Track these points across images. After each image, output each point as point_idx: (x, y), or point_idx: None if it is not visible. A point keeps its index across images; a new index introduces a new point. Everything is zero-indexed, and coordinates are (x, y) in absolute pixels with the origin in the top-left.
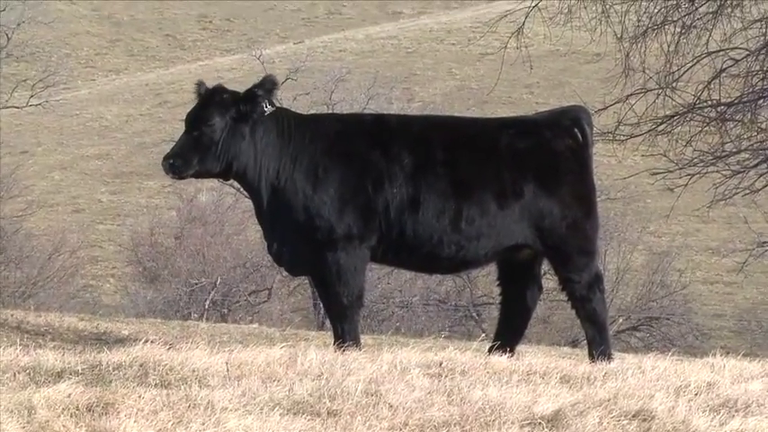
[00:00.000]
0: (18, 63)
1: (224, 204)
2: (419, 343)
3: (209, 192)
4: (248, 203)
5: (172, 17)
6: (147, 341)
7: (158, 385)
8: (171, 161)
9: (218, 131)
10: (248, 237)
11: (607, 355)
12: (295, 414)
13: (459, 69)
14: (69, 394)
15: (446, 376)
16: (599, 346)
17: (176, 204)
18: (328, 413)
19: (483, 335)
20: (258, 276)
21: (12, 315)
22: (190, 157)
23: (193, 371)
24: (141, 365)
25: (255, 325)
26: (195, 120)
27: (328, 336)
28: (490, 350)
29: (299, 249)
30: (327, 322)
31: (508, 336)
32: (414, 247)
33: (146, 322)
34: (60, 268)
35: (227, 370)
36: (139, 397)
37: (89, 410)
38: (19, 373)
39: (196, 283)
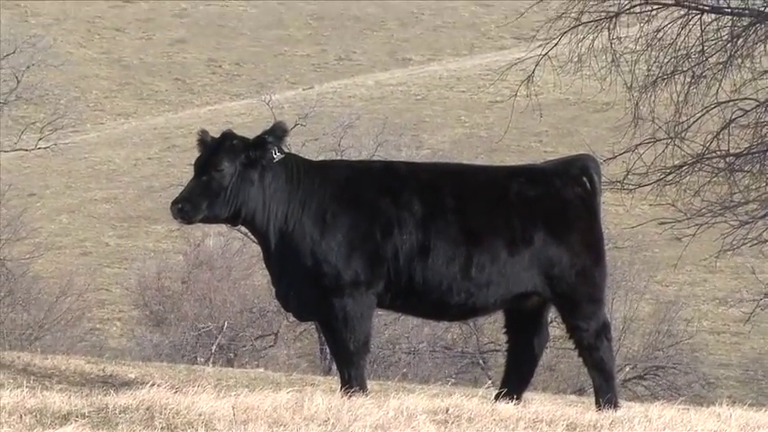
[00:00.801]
0: (27, 106)
1: (231, 249)
2: (426, 389)
3: (216, 236)
4: (256, 248)
5: (181, 61)
6: (153, 384)
7: (164, 429)
8: (180, 206)
9: (228, 177)
10: (255, 281)
11: (614, 404)
12: None
13: (468, 117)
14: None
15: (453, 423)
16: (606, 394)
17: (183, 248)
18: None
19: (489, 382)
20: (265, 321)
21: (18, 357)
22: (198, 202)
23: (200, 415)
24: (147, 409)
25: (262, 369)
26: (205, 165)
27: (335, 381)
28: (497, 397)
29: (306, 295)
30: (335, 367)
31: (515, 383)
32: (423, 293)
33: (152, 366)
34: (67, 311)
35: (234, 414)
36: None
37: None
38: (25, 415)
39: (203, 328)
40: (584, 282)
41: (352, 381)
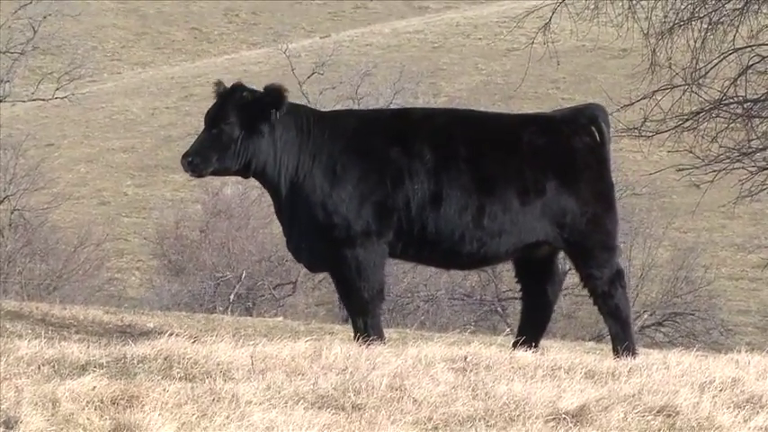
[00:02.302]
0: (44, 56)
1: (249, 198)
2: (444, 337)
3: (234, 185)
4: None
5: (198, 10)
6: (171, 334)
7: (183, 378)
8: (190, 159)
9: (237, 129)
10: (273, 230)
11: (631, 351)
12: (319, 408)
13: (485, 64)
14: (94, 387)
15: (471, 371)
16: (623, 342)
17: (202, 197)
18: (353, 407)
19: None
20: (283, 270)
21: (37, 308)
22: (209, 154)
23: (218, 364)
24: (166, 358)
25: (280, 318)
26: (214, 117)
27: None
28: (514, 345)
29: (317, 246)
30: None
31: (531, 331)
32: (435, 242)
33: (171, 315)
34: (85, 261)
35: (252, 363)
36: (164, 390)
37: (113, 403)
38: (43, 365)
39: (221, 277)
40: (596, 230)
41: (368, 329)
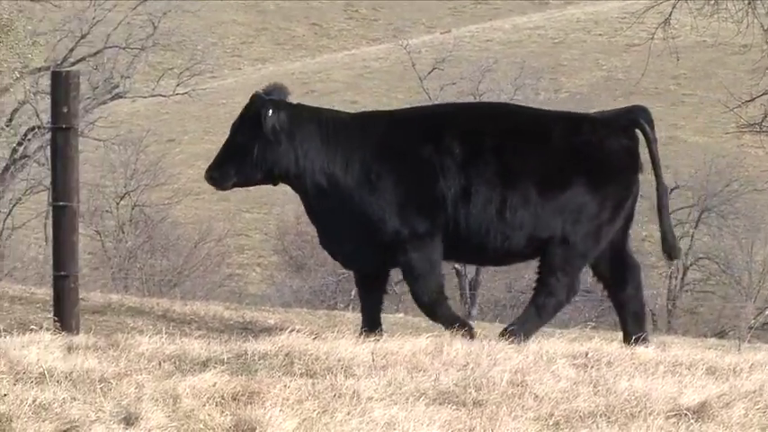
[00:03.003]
0: (165, 52)
1: None
2: (565, 333)
3: None
4: None
5: (318, 6)
6: (292, 330)
7: (304, 374)
8: (210, 174)
9: (251, 140)
10: None
11: (520, 336)
12: (440, 404)
13: (605, 60)
14: (215, 383)
15: (592, 367)
16: (520, 325)
17: None
18: (474, 403)
19: None
20: None
21: (158, 304)
22: (227, 168)
23: (339, 360)
24: (287, 355)
25: (401, 315)
26: (232, 130)
27: (475, 325)
28: (627, 340)
29: (362, 250)
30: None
31: (631, 324)
32: (466, 238)
33: (292, 312)
34: (206, 257)
35: (373, 360)
36: (285, 386)
37: (234, 399)
38: (164, 361)
39: (342, 273)
40: (594, 235)
41: (446, 326)
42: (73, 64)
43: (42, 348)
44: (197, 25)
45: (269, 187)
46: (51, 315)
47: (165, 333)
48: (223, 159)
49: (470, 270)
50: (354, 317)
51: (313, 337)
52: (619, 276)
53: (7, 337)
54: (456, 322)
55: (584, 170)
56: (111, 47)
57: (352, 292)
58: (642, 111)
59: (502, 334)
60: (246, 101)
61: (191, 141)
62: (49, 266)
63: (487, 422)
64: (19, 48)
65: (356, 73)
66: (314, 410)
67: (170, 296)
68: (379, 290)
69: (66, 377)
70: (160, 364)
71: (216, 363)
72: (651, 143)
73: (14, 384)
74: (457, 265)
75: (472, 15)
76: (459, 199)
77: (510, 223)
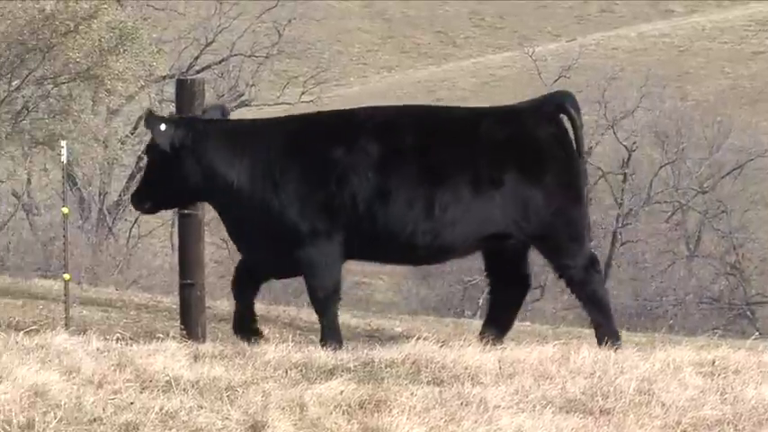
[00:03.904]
0: (289, 60)
1: None
2: (692, 341)
3: None
4: None
5: (444, 14)
6: (419, 338)
7: (431, 383)
8: (131, 198)
9: (158, 162)
10: None
11: (614, 337)
12: (567, 412)
13: (731, 68)
14: (341, 391)
15: (719, 375)
16: (605, 329)
17: None
18: (601, 411)
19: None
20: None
21: (284, 311)
22: (143, 191)
23: (466, 368)
24: (414, 363)
25: (528, 323)
26: (145, 152)
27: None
28: (481, 336)
29: (273, 253)
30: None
31: (495, 328)
32: (389, 238)
33: (419, 319)
34: None
35: (500, 368)
36: (412, 394)
37: (361, 407)
38: (291, 369)
39: (469, 281)
40: (563, 221)
41: (324, 329)
42: (198, 72)
43: (169, 356)
44: (322, 33)
45: None
46: (178, 323)
47: (292, 341)
48: (141, 183)
49: None
50: (481, 324)
51: (440, 344)
52: (507, 282)
53: (134, 346)
54: (334, 332)
55: (519, 162)
56: (236, 55)
57: (480, 300)
58: (567, 96)
59: (598, 339)
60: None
61: None
62: (176, 275)
63: (614, 430)
64: (143, 56)
65: (482, 81)
66: (441, 418)
67: (297, 304)
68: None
69: (193, 385)
70: (287, 372)
71: (342, 371)
72: (577, 128)
73: (141, 392)
74: None
75: (597, 23)
76: (375, 198)
77: (439, 221)
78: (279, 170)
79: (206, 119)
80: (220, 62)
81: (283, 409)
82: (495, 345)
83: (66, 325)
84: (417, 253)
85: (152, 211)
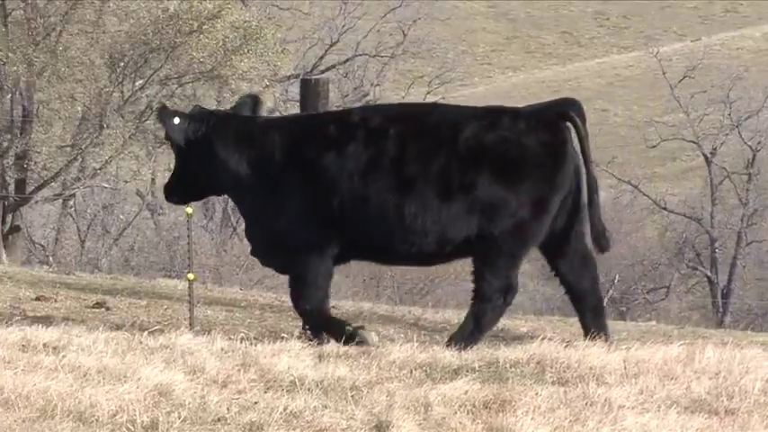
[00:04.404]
0: (414, 59)
1: (621, 202)
2: None
3: (606, 189)
4: (646, 201)
5: (568, 14)
6: (544, 338)
7: (555, 383)
8: (163, 189)
9: (180, 155)
10: (646, 234)
11: (460, 346)
12: (692, 412)
13: None
14: (466, 391)
15: None
16: (461, 334)
17: None
18: (726, 412)
19: None
20: (656, 274)
21: (409, 311)
22: (172, 183)
23: (590, 368)
24: (538, 363)
25: (653, 322)
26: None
27: (726, 333)
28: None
29: (272, 255)
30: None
31: (590, 319)
32: (369, 244)
33: (544, 319)
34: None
35: (625, 368)
36: (536, 394)
37: (485, 407)
38: (415, 369)
39: None
40: (515, 234)
41: (314, 338)
42: (322, 72)
43: (293, 356)
44: (447, 33)
45: None
46: (302, 323)
47: (416, 341)
48: (171, 175)
49: (722, 278)
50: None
51: (564, 345)
52: (575, 270)
53: (258, 346)
54: (321, 333)
55: (494, 168)
56: (360, 54)
57: (604, 300)
58: (572, 104)
59: (447, 344)
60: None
61: None
62: None
63: (739, 431)
64: (268, 55)
65: (607, 81)
66: (565, 419)
67: (421, 304)
68: None
69: (317, 385)
70: (411, 372)
71: (467, 371)
72: (582, 136)
73: (265, 392)
74: (708, 273)
75: (722, 23)
76: (357, 201)
77: (410, 227)
78: (272, 170)
79: (220, 113)
80: (345, 62)
81: (408, 408)
82: (602, 337)
83: (190, 325)
84: (390, 257)
85: (181, 202)
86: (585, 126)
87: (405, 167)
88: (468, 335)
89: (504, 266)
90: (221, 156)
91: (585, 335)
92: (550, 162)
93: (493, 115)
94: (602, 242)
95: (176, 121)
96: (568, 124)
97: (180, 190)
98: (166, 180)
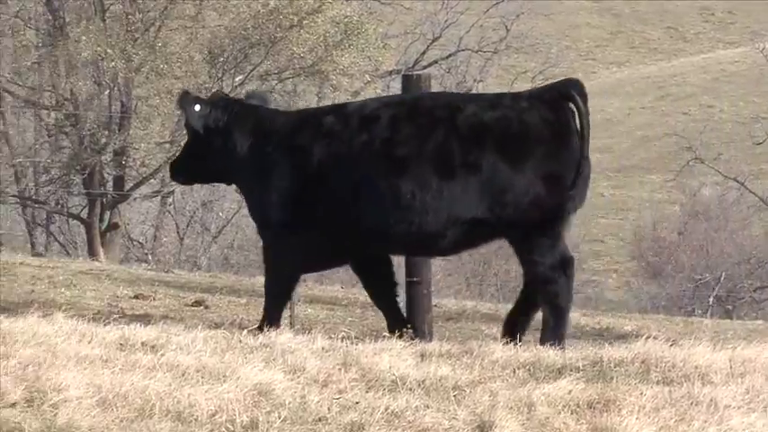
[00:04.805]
0: (517, 55)
1: (728, 199)
2: None
3: (712, 186)
4: (753, 198)
5: (673, 9)
6: (649, 337)
7: (660, 382)
8: (169, 167)
9: (193, 138)
10: (753, 232)
11: (559, 342)
12: None
13: None
14: (570, 391)
15: None
16: (553, 331)
17: (679, 199)
18: None
19: None
20: (763, 272)
21: None
22: (179, 163)
23: (696, 368)
24: (643, 362)
25: (760, 321)
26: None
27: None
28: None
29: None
30: None
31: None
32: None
33: (648, 318)
34: None
35: (731, 367)
36: (641, 394)
37: (590, 407)
38: (519, 369)
39: (699, 279)
40: (537, 212)
41: (265, 320)
42: (424, 67)
43: (395, 355)
44: (550, 28)
45: (623, 192)
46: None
47: (520, 340)
48: (180, 154)
49: None
50: (712, 323)
51: (669, 344)
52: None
53: (359, 344)
54: (276, 320)
55: (498, 146)
56: (463, 50)
57: (710, 299)
58: (575, 84)
59: (542, 342)
60: (601, 103)
61: None
62: (402, 273)
63: None
64: (369, 50)
65: (712, 77)
66: (671, 418)
67: None
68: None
69: (419, 384)
70: (514, 371)
71: (571, 370)
72: (582, 116)
73: (367, 392)
74: None
75: None
76: (359, 186)
77: (412, 208)
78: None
79: (241, 102)
80: (447, 57)
81: (511, 408)
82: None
83: (290, 323)
84: (396, 241)
85: (186, 182)
86: (587, 107)
87: (430, 156)
88: (554, 327)
89: (547, 243)
90: (240, 145)
91: (510, 327)
92: (553, 139)
93: (494, 97)
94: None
95: (197, 107)
96: (570, 104)
97: (188, 171)
98: (175, 158)
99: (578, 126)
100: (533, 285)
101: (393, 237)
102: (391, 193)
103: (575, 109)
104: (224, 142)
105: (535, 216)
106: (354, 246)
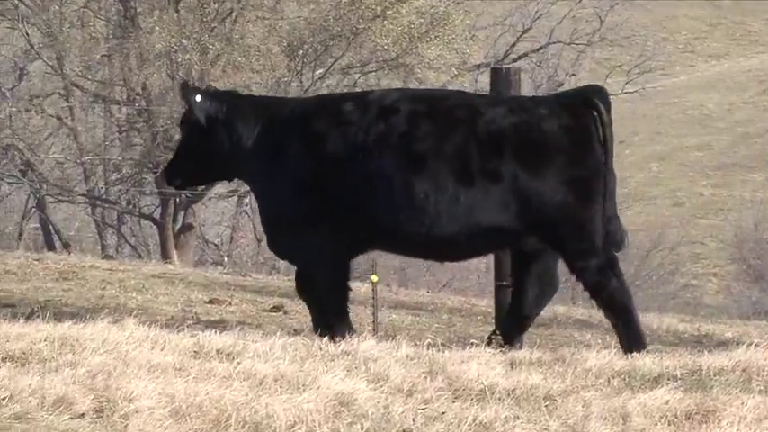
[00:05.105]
0: (612, 47)
1: None
2: None
3: None
4: None
5: None
6: (750, 344)
7: (762, 391)
8: (162, 173)
9: (190, 135)
10: None
11: (639, 343)
12: None
13: None
14: (667, 401)
15: None
16: (626, 334)
17: None
18: None
19: None
20: None
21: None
22: (174, 166)
23: None
24: (744, 370)
25: None
26: (179, 126)
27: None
28: (488, 339)
29: (279, 239)
30: None
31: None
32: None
33: (750, 324)
34: (659, 266)
35: None
36: (742, 404)
37: (688, 418)
38: (613, 377)
39: None
40: (568, 218)
41: (316, 325)
42: (514, 60)
43: (483, 363)
44: (646, 20)
45: (723, 192)
46: (493, 328)
47: (614, 347)
48: (173, 158)
49: None
50: None
51: None
52: (528, 283)
53: (446, 352)
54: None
55: (517, 154)
56: (554, 42)
57: None
58: (598, 91)
59: (624, 351)
60: (700, 98)
61: (641, 143)
62: (491, 276)
63: None
64: (456, 43)
65: None
66: None
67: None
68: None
69: (509, 394)
70: (609, 380)
71: (668, 379)
72: (605, 125)
73: (453, 402)
74: None
75: None
76: (371, 184)
77: (425, 210)
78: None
79: (235, 92)
80: (538, 50)
81: (605, 419)
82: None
83: (373, 330)
84: (408, 244)
85: (183, 186)
86: (609, 115)
87: (438, 156)
88: (623, 323)
89: (583, 248)
90: (243, 136)
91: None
92: (574, 146)
93: (515, 103)
94: (617, 239)
95: (198, 98)
96: (593, 111)
97: (188, 172)
98: (167, 163)
99: (601, 135)
100: (587, 291)
101: (402, 236)
102: (404, 191)
103: (598, 117)
104: (228, 134)
105: (565, 223)
106: (366, 240)
